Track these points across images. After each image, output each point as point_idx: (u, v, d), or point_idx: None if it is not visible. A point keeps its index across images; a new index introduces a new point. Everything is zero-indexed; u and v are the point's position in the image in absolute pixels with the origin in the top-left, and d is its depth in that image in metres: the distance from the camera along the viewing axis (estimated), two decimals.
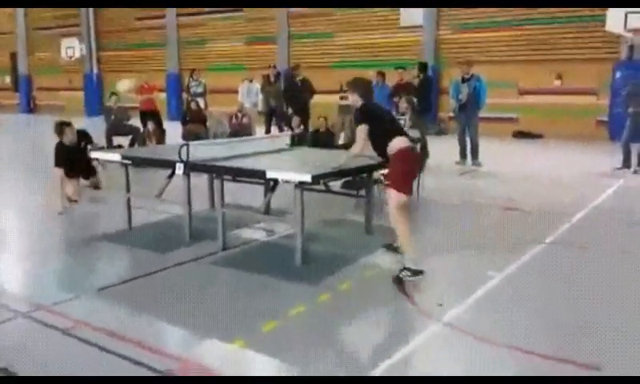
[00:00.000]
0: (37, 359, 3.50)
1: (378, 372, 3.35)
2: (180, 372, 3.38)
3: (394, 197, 4.81)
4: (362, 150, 5.11)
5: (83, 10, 25.71)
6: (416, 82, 14.71)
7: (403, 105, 9.33)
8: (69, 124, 7.78)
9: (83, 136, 7.94)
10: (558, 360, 3.49)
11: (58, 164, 7.42)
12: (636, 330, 3.93)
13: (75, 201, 7.60)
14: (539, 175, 9.97)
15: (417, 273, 4.73)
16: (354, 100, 5.11)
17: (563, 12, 15.58)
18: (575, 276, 5.03)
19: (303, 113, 13.07)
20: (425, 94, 11.83)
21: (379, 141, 4.95)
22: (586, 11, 15.21)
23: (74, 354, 3.59)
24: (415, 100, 10.84)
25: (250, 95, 14.88)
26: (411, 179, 5.11)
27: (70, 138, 7.64)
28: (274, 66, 15.67)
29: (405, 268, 4.77)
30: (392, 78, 13.25)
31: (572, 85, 15.76)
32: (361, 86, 5.16)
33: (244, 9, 21.25)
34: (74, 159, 7.59)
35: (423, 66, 15.95)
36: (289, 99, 13.79)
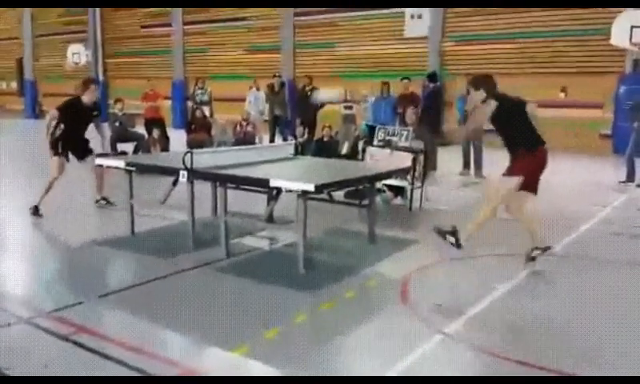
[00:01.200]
0: (37, 364, 3.49)
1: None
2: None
3: (504, 179, 5.17)
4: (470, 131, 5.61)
5: (90, 16, 25.86)
6: (422, 91, 14.71)
7: (412, 117, 9.34)
8: (97, 83, 7.69)
9: (97, 106, 7.83)
10: (561, 373, 3.47)
11: (64, 120, 7.28)
12: None
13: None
14: (543, 188, 9.91)
15: (460, 246, 5.11)
16: (478, 98, 5.40)
17: (568, 25, 15.60)
18: (579, 288, 5.02)
19: (311, 122, 13.16)
20: (435, 104, 11.81)
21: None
22: (591, 24, 15.23)
23: (75, 359, 3.58)
24: (420, 110, 10.90)
25: (257, 103, 14.94)
26: (532, 174, 5.23)
27: (91, 97, 7.50)
28: (279, 76, 15.72)
29: (454, 235, 5.11)
30: (396, 90, 13.24)
31: (576, 98, 15.74)
32: (483, 81, 5.51)
33: (249, 18, 21.36)
34: (79, 123, 7.45)
35: (433, 76, 15.98)
36: (299, 109, 13.98)
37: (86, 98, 7.49)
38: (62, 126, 7.36)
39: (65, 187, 7.66)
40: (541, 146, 5.24)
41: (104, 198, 7.85)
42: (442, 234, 5.22)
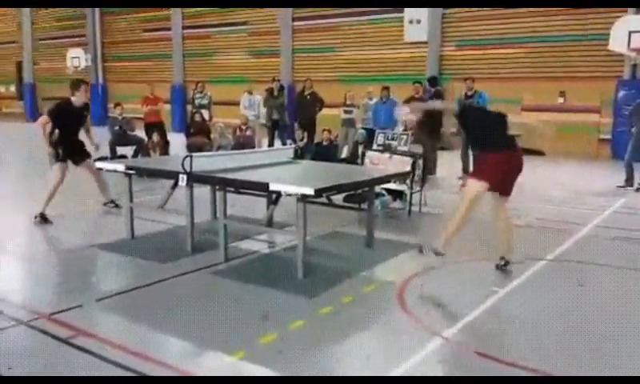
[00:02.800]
0: (37, 366, 3.50)
1: None
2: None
3: (471, 183, 5.19)
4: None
5: (89, 20, 25.91)
6: (423, 95, 14.65)
7: (412, 121, 9.34)
8: (87, 83, 7.53)
9: (87, 107, 7.69)
10: (561, 377, 3.48)
11: (58, 125, 7.17)
12: None
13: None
14: (541, 192, 9.97)
15: (439, 254, 5.16)
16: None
17: (567, 30, 15.65)
18: (578, 293, 5.02)
19: (310, 126, 13.17)
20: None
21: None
22: (590, 29, 15.28)
23: (74, 362, 3.58)
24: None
25: (252, 107, 14.94)
26: (499, 176, 5.21)
27: (81, 98, 7.34)
28: (278, 80, 15.74)
29: (432, 247, 5.17)
30: (401, 92, 13.19)
31: (575, 102, 15.79)
32: None
33: (248, 22, 21.41)
34: (72, 125, 7.35)
35: (434, 80, 16.00)
36: (298, 113, 13.98)
37: (76, 100, 7.35)
38: (57, 130, 7.27)
39: (64, 191, 7.66)
40: (507, 150, 5.25)
41: (112, 201, 7.86)
42: (420, 250, 5.37)
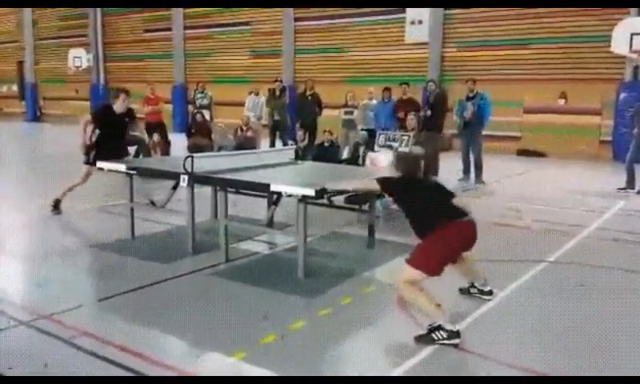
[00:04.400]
0: (37, 367, 3.50)
1: None
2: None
3: (406, 269, 4.09)
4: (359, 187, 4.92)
5: (91, 20, 25.94)
6: (429, 95, 14.65)
7: (412, 122, 9.34)
8: (126, 92, 7.75)
9: (129, 113, 7.83)
10: (561, 377, 3.48)
11: (98, 126, 7.42)
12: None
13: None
14: (542, 194, 9.97)
15: (453, 336, 3.89)
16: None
17: (568, 32, 15.65)
18: (578, 295, 5.02)
19: (311, 127, 13.18)
20: (444, 107, 11.76)
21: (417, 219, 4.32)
22: (592, 31, 15.28)
23: (74, 363, 3.59)
24: (422, 115, 10.89)
25: (256, 108, 14.97)
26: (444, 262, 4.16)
27: (121, 106, 7.61)
28: (280, 80, 15.76)
29: (438, 327, 3.94)
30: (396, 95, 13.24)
31: (576, 104, 15.79)
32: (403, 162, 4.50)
33: (250, 23, 21.43)
34: (113, 129, 7.52)
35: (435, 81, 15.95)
36: (300, 114, 13.99)
37: (117, 107, 7.66)
38: (97, 130, 7.53)
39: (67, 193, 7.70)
40: (451, 221, 4.16)
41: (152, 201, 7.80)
42: (426, 339, 3.97)
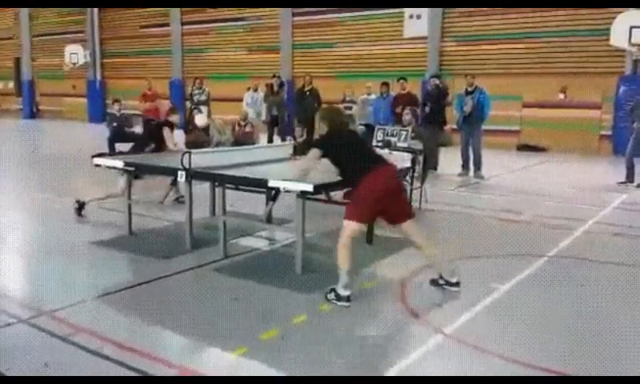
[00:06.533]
0: (36, 364, 3.47)
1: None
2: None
3: (345, 224, 4.50)
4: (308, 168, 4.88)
5: (88, 16, 25.85)
6: (431, 90, 14.62)
7: (407, 116, 9.34)
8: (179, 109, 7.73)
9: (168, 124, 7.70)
10: (559, 374, 3.45)
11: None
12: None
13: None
14: (542, 188, 9.94)
15: (343, 299, 4.41)
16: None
17: (567, 26, 15.61)
18: (578, 289, 5.00)
19: (310, 123, 13.14)
20: (444, 104, 11.74)
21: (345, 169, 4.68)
22: (591, 25, 15.24)
23: (74, 360, 3.56)
24: (419, 110, 10.86)
25: (255, 104, 14.92)
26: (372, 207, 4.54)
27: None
28: (278, 76, 15.71)
29: (333, 290, 4.48)
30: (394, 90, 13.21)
31: (576, 98, 15.76)
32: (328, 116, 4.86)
33: (247, 18, 21.35)
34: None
35: (439, 75, 15.92)
36: (298, 109, 13.97)
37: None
38: (153, 145, 7.36)
39: (63, 188, 7.64)
40: (374, 168, 4.54)
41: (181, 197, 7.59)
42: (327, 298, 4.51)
